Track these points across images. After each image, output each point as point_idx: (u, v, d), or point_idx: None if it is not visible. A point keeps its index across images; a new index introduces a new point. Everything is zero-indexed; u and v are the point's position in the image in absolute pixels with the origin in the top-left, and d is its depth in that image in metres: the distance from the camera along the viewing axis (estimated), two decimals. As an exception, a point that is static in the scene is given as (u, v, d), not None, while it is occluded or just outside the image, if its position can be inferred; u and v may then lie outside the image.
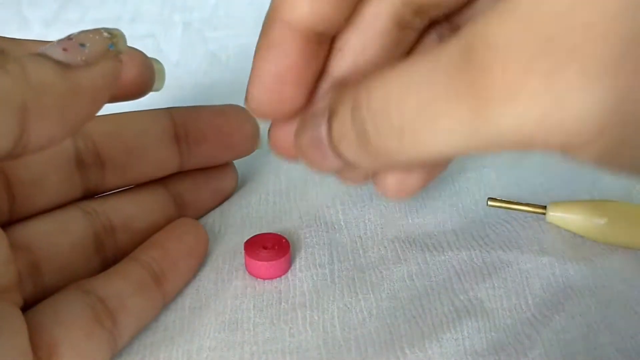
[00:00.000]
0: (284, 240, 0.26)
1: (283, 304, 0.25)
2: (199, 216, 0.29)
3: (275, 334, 0.23)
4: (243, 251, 0.26)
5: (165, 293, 0.25)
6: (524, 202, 0.28)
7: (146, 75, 0.26)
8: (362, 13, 0.23)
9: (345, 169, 0.23)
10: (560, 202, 0.28)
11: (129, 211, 0.27)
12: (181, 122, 0.28)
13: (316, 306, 0.24)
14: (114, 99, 0.26)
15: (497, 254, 0.27)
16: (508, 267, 0.26)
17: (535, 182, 0.31)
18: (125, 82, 0.25)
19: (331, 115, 0.21)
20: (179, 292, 0.25)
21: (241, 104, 0.39)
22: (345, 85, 0.22)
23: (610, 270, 0.26)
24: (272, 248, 0.26)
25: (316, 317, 0.24)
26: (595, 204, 0.27)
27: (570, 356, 0.22)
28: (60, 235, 0.25)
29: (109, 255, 0.26)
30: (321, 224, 0.29)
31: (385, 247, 0.27)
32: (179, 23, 0.49)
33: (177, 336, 0.24)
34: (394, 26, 0.23)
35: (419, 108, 0.18)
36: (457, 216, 0.29)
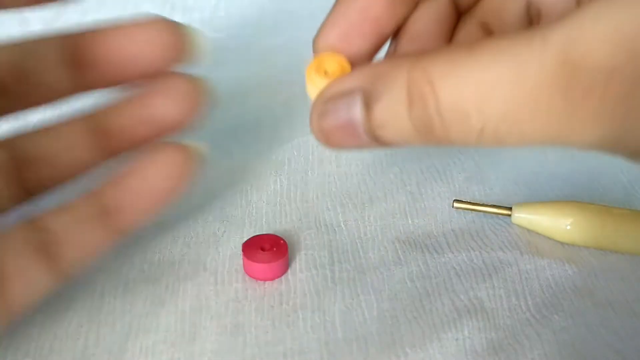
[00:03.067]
0: (281, 241, 0.26)
1: (284, 305, 0.25)
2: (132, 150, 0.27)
3: (276, 335, 0.24)
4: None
5: (118, 228, 0.25)
6: (489, 204, 0.28)
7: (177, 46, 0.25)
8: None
9: (369, 145, 0.22)
10: (525, 204, 0.28)
11: (47, 143, 0.26)
12: (76, 43, 0.26)
13: (317, 308, 0.25)
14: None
15: (497, 254, 0.27)
16: (508, 267, 0.26)
17: (535, 182, 0.31)
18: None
19: (370, 99, 0.21)
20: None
21: (242, 105, 0.39)
22: (387, 63, 0.21)
23: (608, 271, 0.26)
24: (270, 249, 0.26)
25: (317, 319, 0.24)
26: (560, 205, 0.27)
27: (569, 356, 0.22)
28: None
29: (30, 186, 0.25)
30: (321, 226, 0.29)
31: (385, 248, 0.27)
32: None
33: (179, 339, 0.24)
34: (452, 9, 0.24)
35: (506, 114, 0.18)
36: (457, 217, 0.29)
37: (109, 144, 0.26)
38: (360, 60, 0.23)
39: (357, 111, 0.21)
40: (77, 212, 0.24)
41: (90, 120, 0.26)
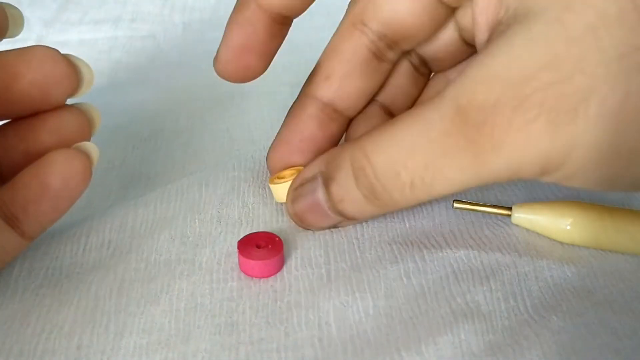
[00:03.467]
0: (277, 239, 0.26)
1: (279, 303, 0.25)
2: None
3: (270, 333, 0.23)
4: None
5: (24, 233, 0.25)
6: (489, 204, 0.28)
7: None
8: (342, 47, 0.27)
9: (340, 223, 0.27)
10: (526, 204, 0.28)
11: None
12: None
13: (312, 305, 0.24)
14: None
15: (495, 256, 0.26)
16: (506, 269, 0.26)
17: (535, 182, 0.31)
18: None
19: (327, 180, 0.25)
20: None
21: (242, 105, 0.39)
22: (337, 148, 0.26)
23: (608, 271, 0.26)
24: (265, 247, 0.26)
25: (312, 317, 0.24)
26: (560, 205, 0.27)
27: (568, 357, 0.22)
28: None
29: None
30: (317, 225, 0.28)
31: (382, 248, 0.27)
32: (179, 23, 0.49)
33: (173, 338, 0.23)
34: (372, 57, 0.27)
35: (426, 164, 0.22)
36: (455, 218, 0.29)
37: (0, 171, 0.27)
38: (259, 75, 0.28)
39: (320, 192, 0.26)
40: None
41: None
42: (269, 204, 0.30)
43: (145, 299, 0.25)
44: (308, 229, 0.27)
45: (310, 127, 0.28)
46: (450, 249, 0.27)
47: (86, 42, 0.46)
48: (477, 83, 0.21)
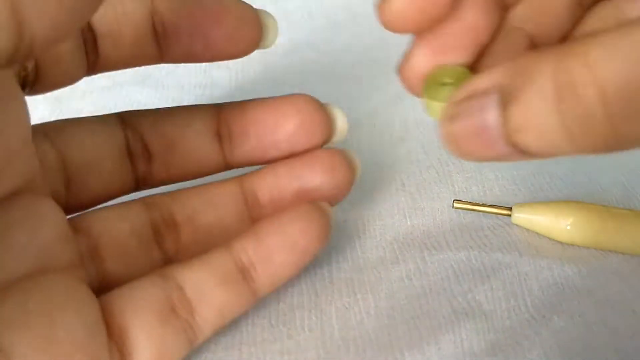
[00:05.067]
0: None
1: (281, 304, 0.25)
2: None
3: (273, 334, 0.23)
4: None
5: (256, 289, 0.23)
6: (489, 204, 0.28)
7: (247, 30, 0.24)
8: None
9: (507, 157, 0.19)
10: (526, 204, 0.28)
11: (194, 205, 0.25)
12: (225, 118, 0.26)
13: (314, 307, 0.24)
14: (207, 58, 0.25)
15: (496, 255, 0.27)
16: (507, 269, 0.26)
17: (535, 182, 0.31)
18: (219, 38, 0.24)
19: (508, 97, 0.17)
20: (276, 289, 0.23)
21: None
22: (529, 56, 0.18)
23: (608, 271, 0.26)
24: None
25: (314, 318, 0.24)
26: (560, 205, 0.27)
27: (569, 357, 0.22)
28: (119, 222, 0.23)
29: (170, 248, 0.24)
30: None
31: (383, 247, 0.27)
32: (179, 23, 0.49)
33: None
34: (573, 2, 0.21)
35: None
36: (456, 217, 0.29)
37: (257, 213, 0.26)
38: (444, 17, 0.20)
39: (492, 112, 0.18)
40: (213, 268, 0.22)
41: (240, 188, 0.26)
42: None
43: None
44: (464, 159, 0.20)
45: (474, 13, 0.20)
46: (451, 250, 0.27)
47: (86, 42, 0.46)
48: None
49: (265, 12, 0.24)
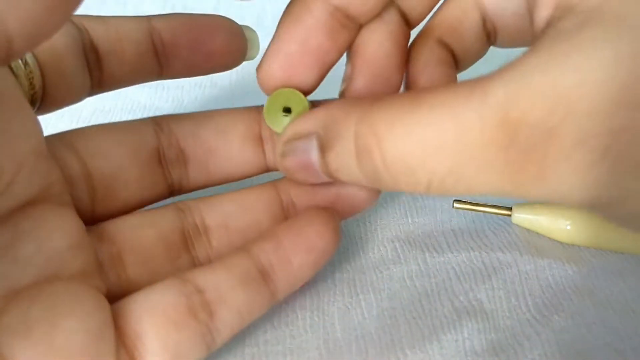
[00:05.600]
0: None
1: (283, 305, 0.25)
2: None
3: (276, 335, 0.24)
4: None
5: (275, 290, 0.23)
6: (489, 204, 0.28)
7: (237, 43, 0.25)
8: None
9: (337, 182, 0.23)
10: (526, 204, 0.28)
11: (227, 210, 0.25)
12: (258, 119, 0.26)
13: (316, 307, 0.25)
14: (206, 70, 0.26)
15: (497, 255, 0.27)
16: (508, 268, 0.26)
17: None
18: (215, 50, 0.25)
19: (324, 147, 0.22)
20: (293, 292, 0.23)
21: (241, 104, 0.39)
22: (339, 108, 0.21)
23: (609, 271, 0.26)
24: None
25: (316, 318, 0.24)
26: (560, 205, 0.27)
27: (569, 356, 0.22)
28: (146, 228, 0.23)
29: (201, 254, 0.24)
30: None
31: (385, 247, 0.27)
32: (179, 23, 0.49)
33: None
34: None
35: (450, 169, 0.19)
36: (457, 216, 0.29)
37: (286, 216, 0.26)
38: (308, 89, 0.24)
39: (313, 154, 0.22)
40: (232, 270, 0.22)
41: (276, 191, 0.26)
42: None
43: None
44: (300, 183, 0.24)
45: (317, 35, 0.23)
46: (452, 251, 0.27)
47: (86, 42, 0.46)
48: (536, 95, 0.17)
49: (247, 27, 0.26)
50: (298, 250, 0.23)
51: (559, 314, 0.24)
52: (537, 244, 0.27)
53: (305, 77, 0.24)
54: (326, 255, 0.24)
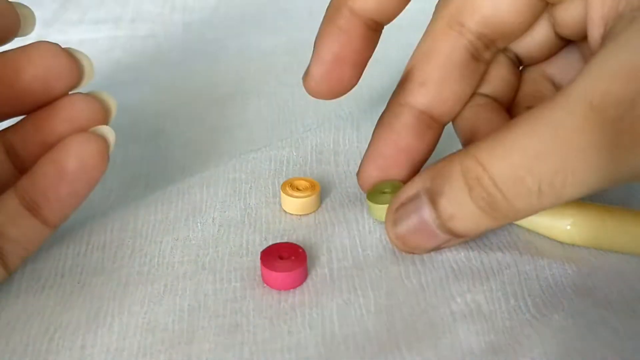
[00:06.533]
0: (300, 250, 0.26)
1: (282, 303, 0.25)
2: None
3: (274, 333, 0.23)
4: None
5: (46, 220, 0.25)
6: None
7: (9, 20, 0.26)
8: (437, 50, 0.27)
9: (447, 243, 0.25)
10: None
11: None
12: None
13: (315, 305, 0.24)
14: None
15: (496, 255, 0.27)
16: (506, 268, 0.26)
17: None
18: None
19: (435, 196, 0.23)
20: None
21: (242, 105, 0.39)
22: (441, 161, 0.24)
23: (609, 271, 0.26)
24: (288, 258, 0.25)
25: (315, 316, 0.24)
26: (560, 205, 0.27)
27: (569, 356, 0.22)
28: None
29: None
30: (320, 225, 0.29)
31: (384, 246, 0.27)
32: (179, 23, 0.49)
33: (177, 338, 0.23)
34: (470, 58, 0.27)
35: (556, 168, 0.21)
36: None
37: (20, 165, 0.27)
38: (352, 87, 0.27)
39: (426, 210, 0.24)
40: (6, 208, 0.25)
41: (2, 143, 0.27)
42: (270, 205, 0.30)
43: (149, 299, 0.25)
44: (412, 253, 0.26)
45: (406, 137, 0.27)
46: (450, 250, 0.27)
47: (86, 42, 0.46)
48: (610, 77, 0.20)
49: (21, 4, 0.26)
50: (51, 183, 0.25)
51: (559, 313, 0.24)
52: (537, 244, 0.27)
53: (398, 175, 0.27)
54: (83, 182, 0.25)
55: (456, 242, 0.26)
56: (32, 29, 0.27)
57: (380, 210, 0.27)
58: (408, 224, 0.24)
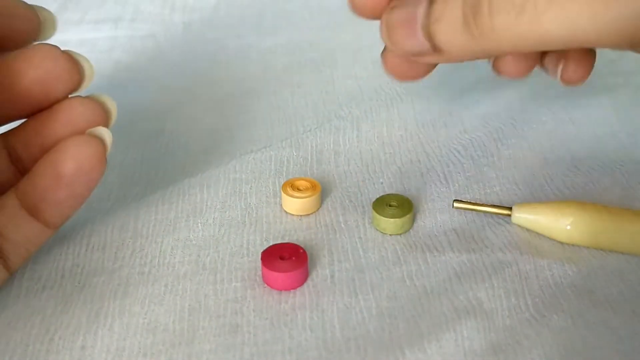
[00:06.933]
0: (301, 251, 0.26)
1: (283, 305, 0.25)
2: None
3: (275, 335, 0.23)
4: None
5: (47, 221, 0.26)
6: (489, 204, 0.28)
7: (30, 24, 0.26)
8: None
9: (421, 55, 0.25)
10: (526, 204, 0.28)
11: None
12: None
13: (316, 307, 0.25)
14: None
15: (497, 255, 0.27)
16: (507, 268, 0.26)
17: (535, 182, 0.31)
18: (6, 31, 0.25)
19: None
20: (67, 219, 0.26)
21: (242, 105, 0.39)
22: None
23: (607, 271, 0.26)
24: (289, 258, 0.26)
25: (316, 318, 0.24)
26: (560, 205, 0.27)
27: (569, 356, 0.22)
28: None
29: None
30: (321, 226, 0.29)
31: (385, 248, 0.27)
32: (179, 23, 0.49)
33: (177, 338, 0.24)
34: None
35: None
36: (457, 217, 0.29)
37: (22, 167, 0.27)
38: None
39: (421, 8, 0.24)
40: (7, 210, 0.25)
41: (4, 145, 0.27)
42: (271, 205, 0.30)
43: (149, 299, 0.25)
44: (394, 50, 0.26)
45: None
46: (452, 251, 0.27)
47: (86, 42, 0.46)
48: None
49: (43, 8, 0.26)
50: (50, 186, 0.25)
51: (558, 313, 0.24)
52: (537, 244, 0.27)
53: None
54: (81, 186, 0.25)
55: (431, 60, 0.25)
56: (53, 33, 0.27)
57: (384, 222, 0.27)
58: (401, 12, 0.24)
